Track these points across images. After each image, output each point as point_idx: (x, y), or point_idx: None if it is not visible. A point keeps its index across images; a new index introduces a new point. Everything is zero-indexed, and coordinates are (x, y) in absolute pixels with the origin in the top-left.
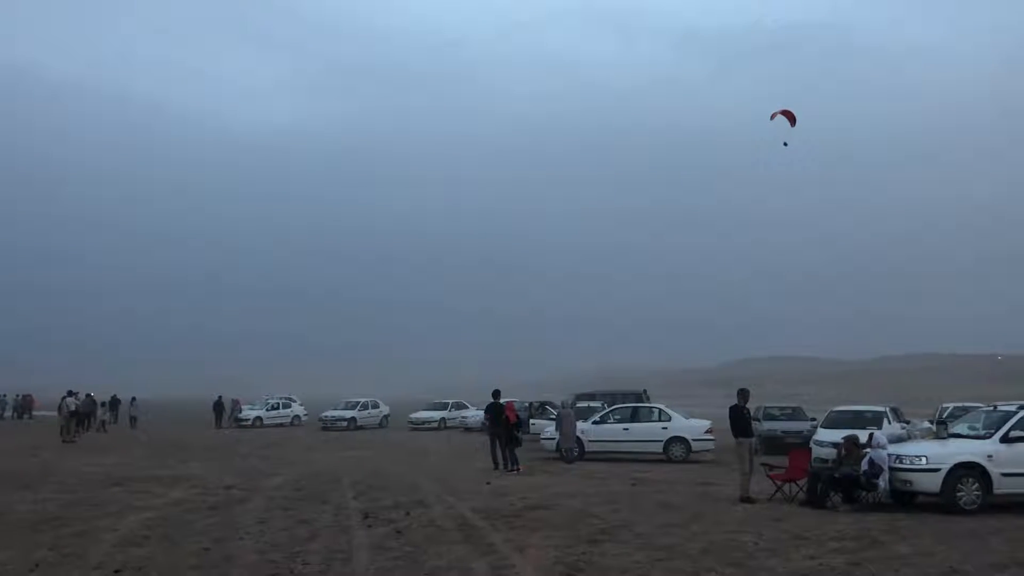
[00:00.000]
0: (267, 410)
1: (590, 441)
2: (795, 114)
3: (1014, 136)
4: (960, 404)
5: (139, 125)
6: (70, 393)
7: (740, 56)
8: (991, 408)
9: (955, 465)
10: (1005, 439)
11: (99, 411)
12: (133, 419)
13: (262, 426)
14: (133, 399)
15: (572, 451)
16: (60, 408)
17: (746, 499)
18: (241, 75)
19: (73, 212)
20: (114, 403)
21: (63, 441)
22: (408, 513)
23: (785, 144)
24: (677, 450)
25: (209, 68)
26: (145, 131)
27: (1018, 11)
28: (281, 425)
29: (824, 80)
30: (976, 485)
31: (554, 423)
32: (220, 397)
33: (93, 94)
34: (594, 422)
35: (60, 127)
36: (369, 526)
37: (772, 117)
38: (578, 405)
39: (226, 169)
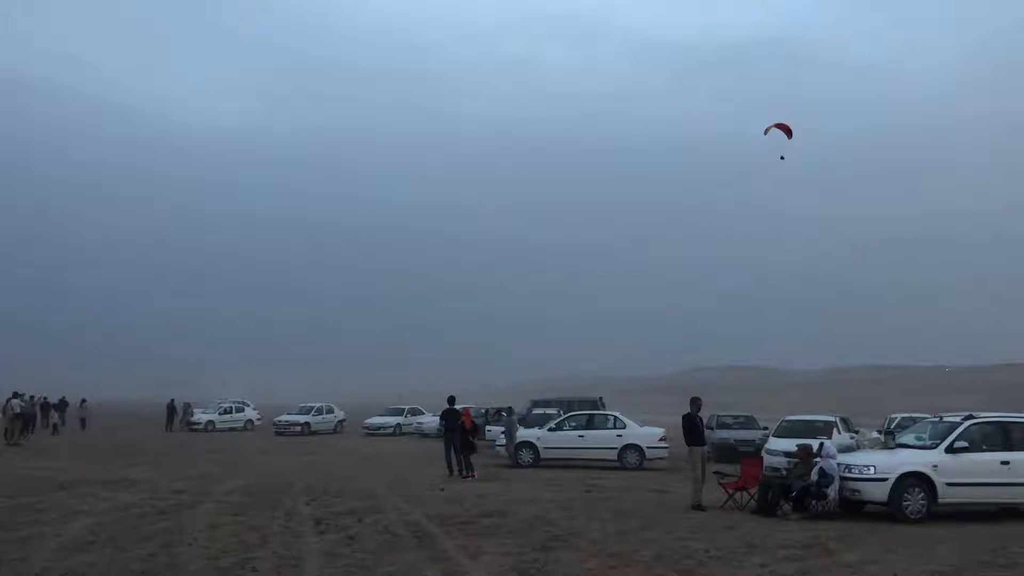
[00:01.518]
0: (219, 414)
1: (545, 448)
2: (786, 126)
3: (975, 153)
4: (908, 415)
5: (91, 119)
6: (15, 395)
7: (698, 69)
8: (937, 419)
9: (902, 475)
10: (950, 449)
11: (52, 414)
12: (83, 421)
13: (214, 430)
14: (83, 401)
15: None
16: (5, 410)
17: (698, 506)
18: (198, 73)
19: (24, 205)
20: (62, 405)
21: (7, 444)
22: (361, 519)
23: (782, 158)
24: (631, 457)
25: (163, 64)
26: (98, 126)
27: (974, 32)
28: (233, 429)
29: (780, 94)
30: (922, 494)
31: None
32: (173, 400)
33: (42, 86)
34: (550, 429)
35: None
36: (321, 532)
37: (766, 132)
38: (534, 412)
39: (185, 166)
